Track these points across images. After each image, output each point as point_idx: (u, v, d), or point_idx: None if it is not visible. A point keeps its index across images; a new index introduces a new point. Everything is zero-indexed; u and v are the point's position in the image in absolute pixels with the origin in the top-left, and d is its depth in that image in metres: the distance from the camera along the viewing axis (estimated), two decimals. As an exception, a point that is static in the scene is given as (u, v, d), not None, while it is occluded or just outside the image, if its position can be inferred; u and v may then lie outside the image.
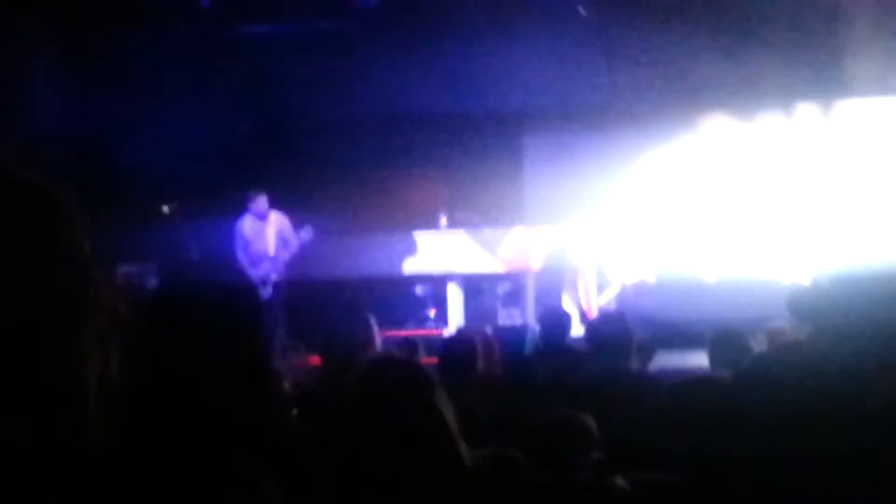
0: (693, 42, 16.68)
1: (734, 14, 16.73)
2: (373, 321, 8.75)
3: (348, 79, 17.87)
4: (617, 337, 7.68)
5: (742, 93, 16.76)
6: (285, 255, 15.45)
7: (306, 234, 15.42)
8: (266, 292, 15.02)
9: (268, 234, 15.47)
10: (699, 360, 10.46)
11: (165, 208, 15.38)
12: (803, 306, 7.75)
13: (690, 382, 5.15)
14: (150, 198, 15.72)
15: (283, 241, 15.49)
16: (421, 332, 15.02)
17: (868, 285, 3.38)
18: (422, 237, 16.21)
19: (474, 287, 16.23)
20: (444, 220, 16.47)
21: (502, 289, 16.40)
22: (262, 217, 15.50)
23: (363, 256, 16.04)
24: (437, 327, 16.02)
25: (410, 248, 16.13)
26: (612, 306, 15.83)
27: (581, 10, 16.97)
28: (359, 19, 17.55)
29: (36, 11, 16.57)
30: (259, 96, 18.10)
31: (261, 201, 15.49)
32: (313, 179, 17.51)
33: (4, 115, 15.90)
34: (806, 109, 17.29)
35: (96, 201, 15.80)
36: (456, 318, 15.86)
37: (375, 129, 17.56)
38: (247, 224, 15.53)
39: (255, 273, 15.14)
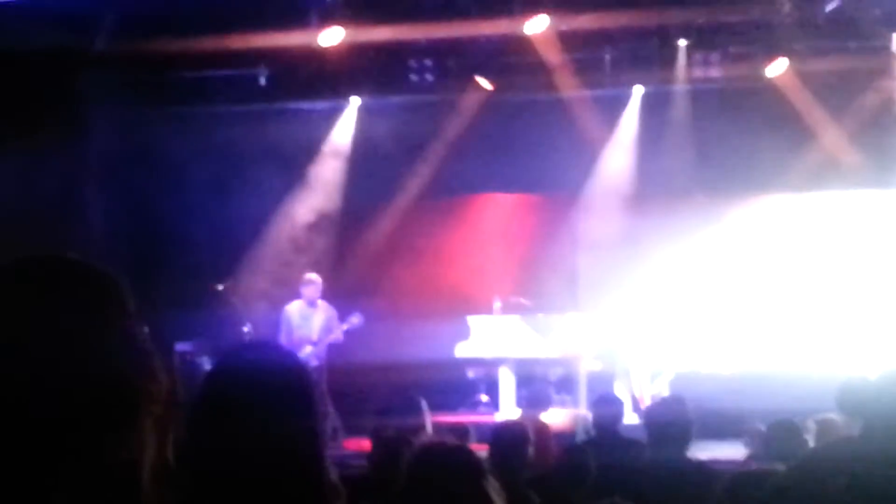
0: (749, 128, 16.78)
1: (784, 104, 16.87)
2: (424, 405, 8.73)
3: (401, 157, 18.00)
4: (675, 422, 7.57)
5: (796, 176, 16.77)
6: (327, 342, 15.43)
7: (357, 320, 15.40)
8: None
9: (314, 322, 15.46)
10: (732, 450, 10.36)
11: (220, 286, 15.43)
12: (852, 401, 7.67)
13: (749, 475, 5.06)
14: (204, 275, 15.78)
15: (327, 329, 15.47)
16: (472, 417, 14.95)
17: None
18: (475, 322, 16.18)
19: (526, 372, 16.16)
20: (498, 306, 16.42)
21: (555, 375, 16.33)
22: (312, 304, 15.50)
23: (416, 340, 16.00)
24: (488, 412, 15.94)
25: (464, 333, 16.10)
26: (665, 394, 15.72)
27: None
28: (414, 96, 17.70)
29: (94, 92, 16.77)
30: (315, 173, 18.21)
31: (314, 287, 15.49)
32: (368, 262, 17.60)
33: (60, 193, 16.05)
34: (861, 196, 17.33)
35: (151, 279, 15.99)
36: (508, 403, 15.78)
37: (429, 210, 17.62)
38: (295, 309, 15.54)
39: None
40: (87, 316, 1.85)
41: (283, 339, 15.31)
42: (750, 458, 9.57)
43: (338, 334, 15.40)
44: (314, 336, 15.38)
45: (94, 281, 1.93)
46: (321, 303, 15.57)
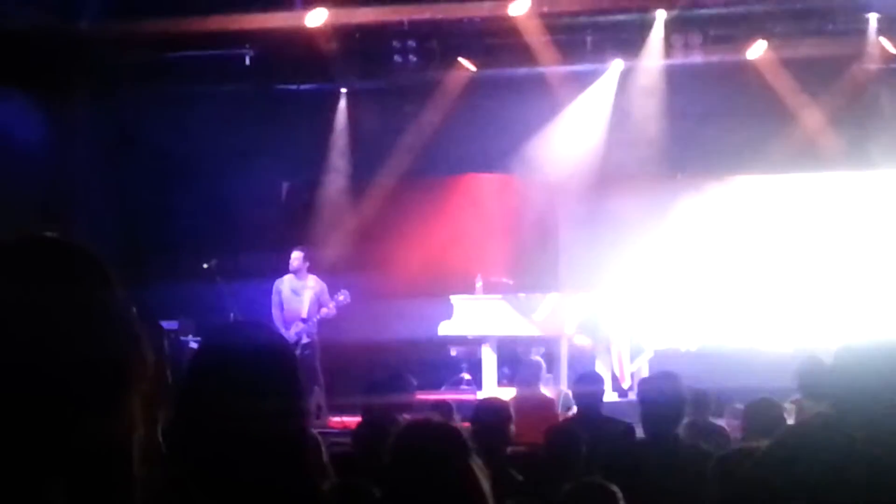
0: (728, 109, 16.88)
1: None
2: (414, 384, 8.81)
3: (385, 138, 18.06)
4: (669, 397, 7.58)
5: (775, 157, 16.86)
6: (317, 318, 15.46)
7: (344, 297, 15.44)
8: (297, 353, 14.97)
9: (304, 297, 15.49)
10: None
11: (205, 265, 15.45)
12: (811, 385, 7.74)
13: (738, 453, 5.07)
14: (190, 254, 15.81)
15: (318, 304, 15.50)
16: (455, 395, 15.03)
17: (869, 361, 3.37)
18: (458, 300, 16.25)
19: (509, 351, 16.24)
20: (479, 285, 16.49)
21: (536, 353, 16.41)
22: (302, 276, 15.52)
23: (399, 319, 16.08)
24: (470, 390, 16.02)
25: (446, 312, 16.15)
26: (644, 372, 15.84)
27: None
28: (397, 78, 17.75)
29: (79, 73, 16.77)
30: (299, 155, 18.24)
31: (300, 259, 15.51)
32: (350, 241, 17.65)
33: (46, 172, 16.06)
34: (839, 178, 17.46)
35: (137, 257, 16.03)
36: (490, 381, 15.85)
37: (411, 190, 17.68)
38: (285, 283, 15.58)
39: (287, 334, 15.12)
40: (71, 294, 1.85)
41: (275, 314, 15.38)
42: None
43: (331, 309, 15.41)
44: (304, 312, 15.41)
45: (79, 259, 1.92)
46: (311, 276, 15.62)
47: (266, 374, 2.83)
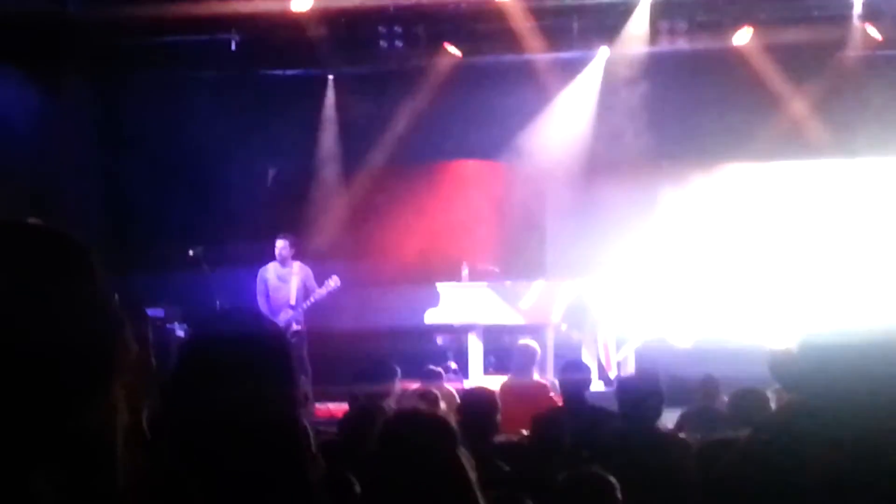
0: (714, 96, 16.90)
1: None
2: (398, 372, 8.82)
3: (371, 124, 18.06)
4: (648, 398, 7.62)
5: (761, 144, 16.88)
6: (306, 305, 15.45)
7: (334, 283, 15.41)
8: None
9: (291, 283, 15.47)
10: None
11: (191, 251, 15.42)
12: (784, 375, 7.76)
13: (718, 444, 5.09)
14: (176, 241, 15.78)
15: (305, 290, 15.47)
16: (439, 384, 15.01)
17: (833, 347, 3.38)
18: (444, 288, 16.25)
19: (494, 339, 16.23)
20: (466, 273, 16.48)
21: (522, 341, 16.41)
22: (287, 263, 15.49)
23: (385, 307, 16.06)
24: (457, 379, 16.01)
25: (432, 300, 16.15)
26: (630, 362, 15.86)
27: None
28: (384, 64, 17.74)
29: (67, 57, 16.72)
30: (286, 141, 18.22)
31: (285, 247, 15.49)
32: (337, 228, 17.65)
33: (32, 156, 16.02)
34: (824, 165, 17.50)
35: (123, 244, 16.01)
36: (476, 370, 15.85)
37: (399, 177, 17.67)
38: (270, 271, 15.55)
39: (276, 322, 15.06)
40: (53, 281, 1.83)
41: (260, 302, 15.34)
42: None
43: (321, 292, 15.37)
44: (292, 299, 15.40)
45: (61, 246, 1.90)
46: (296, 263, 15.58)
47: (258, 362, 2.81)
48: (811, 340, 3.49)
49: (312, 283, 15.44)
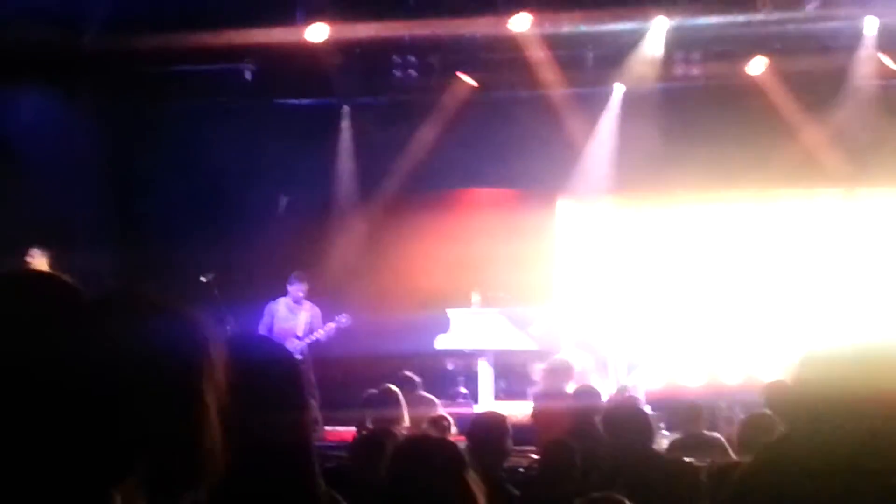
0: (729, 126, 16.92)
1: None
2: (402, 398, 8.84)
3: (385, 153, 18.12)
4: (635, 424, 7.64)
5: (775, 174, 16.86)
6: (309, 340, 15.52)
7: (345, 320, 15.50)
8: None
9: (300, 317, 15.57)
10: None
11: (203, 278, 15.47)
12: (780, 405, 7.77)
13: (728, 468, 5.11)
14: (189, 267, 15.83)
15: (310, 329, 15.59)
16: (451, 409, 15.03)
17: (831, 381, 3.39)
18: (454, 314, 16.28)
19: (504, 364, 16.26)
20: (477, 299, 16.51)
21: (532, 366, 16.43)
22: (298, 301, 15.61)
23: (396, 333, 16.07)
24: (466, 404, 16.03)
25: (443, 325, 16.19)
26: (640, 386, 15.86)
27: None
28: (399, 93, 17.81)
29: (81, 86, 16.80)
30: (299, 170, 18.28)
31: (301, 288, 15.59)
32: (349, 256, 17.70)
33: (48, 182, 16.08)
34: (839, 194, 17.46)
35: (135, 270, 16.05)
36: (486, 395, 15.88)
37: (412, 204, 17.71)
38: (281, 306, 15.66)
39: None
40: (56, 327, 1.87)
41: (263, 332, 15.38)
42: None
43: (320, 334, 15.48)
44: (299, 331, 15.48)
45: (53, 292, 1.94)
46: (306, 302, 15.68)
47: (270, 386, 2.83)
48: (807, 370, 3.51)
49: (318, 323, 15.56)
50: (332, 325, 15.48)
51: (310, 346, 15.51)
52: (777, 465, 3.43)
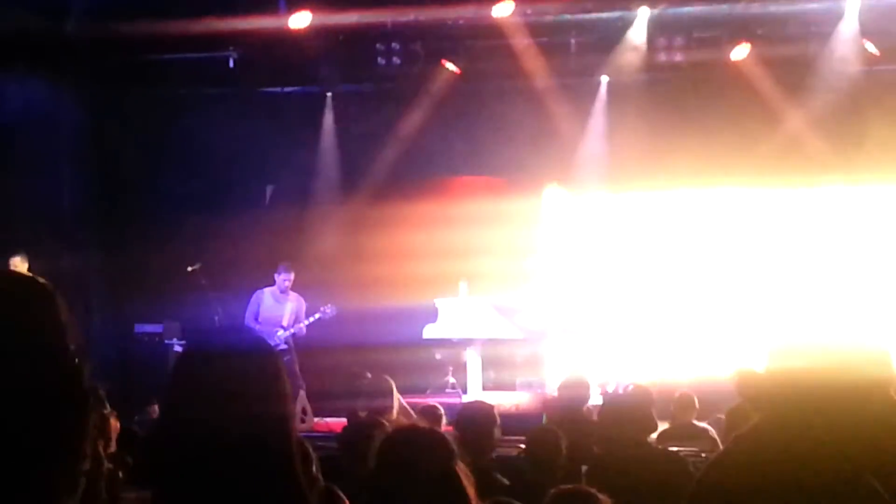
0: (711, 112, 16.92)
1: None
2: (394, 387, 8.81)
3: (370, 141, 18.09)
4: (636, 414, 7.60)
5: (760, 163, 16.83)
6: (294, 330, 15.51)
7: (330, 310, 15.50)
8: None
9: (285, 309, 15.55)
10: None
11: (190, 268, 15.44)
12: (751, 394, 7.74)
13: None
14: (174, 257, 15.80)
15: (295, 319, 15.58)
16: (440, 399, 14.99)
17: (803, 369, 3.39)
18: (442, 304, 16.26)
19: (492, 354, 16.24)
20: (464, 288, 16.49)
21: (521, 356, 16.43)
22: (284, 292, 15.58)
23: (384, 322, 16.04)
24: (455, 394, 16.01)
25: (431, 315, 16.17)
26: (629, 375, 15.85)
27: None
28: (383, 81, 17.78)
29: (63, 75, 16.74)
30: (284, 158, 18.25)
31: (287, 278, 15.56)
32: (335, 244, 17.67)
33: (30, 168, 16.04)
34: (824, 182, 17.43)
35: (121, 261, 16.02)
36: (474, 385, 15.86)
37: (397, 193, 17.67)
38: (267, 296, 15.63)
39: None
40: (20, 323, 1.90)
41: (249, 322, 15.37)
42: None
43: (301, 327, 15.48)
44: (284, 321, 15.46)
45: (27, 289, 1.97)
46: (292, 293, 15.66)
47: (250, 377, 2.79)
48: (779, 358, 3.52)
49: (303, 314, 15.56)
50: (316, 316, 15.47)
51: (294, 336, 15.49)
52: (749, 454, 3.43)
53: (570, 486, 5.51)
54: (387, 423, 7.92)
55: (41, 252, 13.71)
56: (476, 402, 9.95)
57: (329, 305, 15.50)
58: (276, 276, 15.59)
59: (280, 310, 15.52)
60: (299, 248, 16.98)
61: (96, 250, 16.67)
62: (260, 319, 15.42)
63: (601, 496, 5.38)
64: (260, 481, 2.71)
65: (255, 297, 15.64)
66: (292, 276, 15.57)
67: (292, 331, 15.44)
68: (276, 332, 15.19)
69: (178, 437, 2.75)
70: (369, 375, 14.38)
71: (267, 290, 15.64)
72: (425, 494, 3.86)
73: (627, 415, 7.58)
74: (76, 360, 1.94)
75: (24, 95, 15.97)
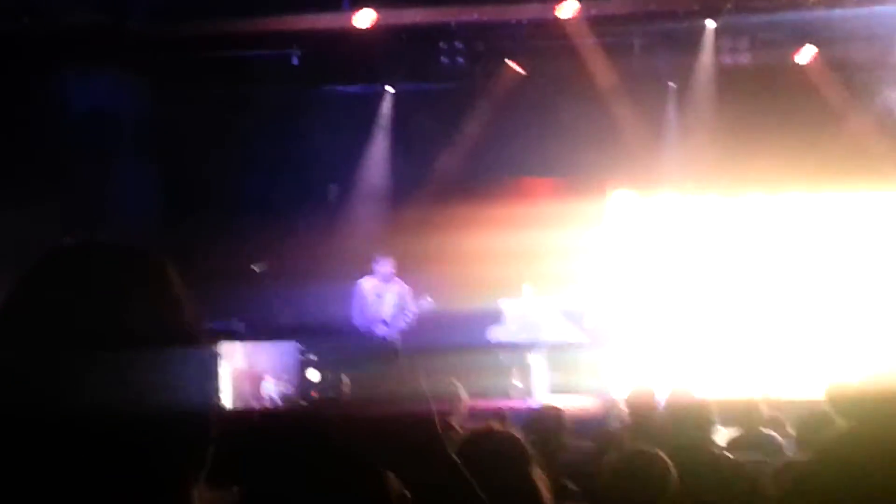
0: (777, 115, 16.76)
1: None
2: (461, 390, 8.74)
3: (432, 141, 18.07)
4: (694, 414, 7.50)
5: (824, 166, 16.61)
6: (401, 323, 15.45)
7: (427, 303, 15.43)
8: None
9: (387, 299, 15.48)
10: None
11: (254, 267, 15.47)
12: (844, 405, 7.63)
13: (791, 467, 5.06)
14: (238, 256, 15.83)
15: (401, 308, 15.50)
16: (505, 402, 14.91)
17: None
18: (507, 305, 16.19)
19: (556, 357, 16.14)
20: (529, 290, 16.40)
21: (585, 360, 16.32)
22: (386, 280, 15.50)
23: (449, 324, 15.98)
24: (520, 397, 15.91)
25: (496, 317, 16.10)
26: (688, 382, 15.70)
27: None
28: (446, 80, 17.76)
29: (125, 72, 16.83)
30: (347, 157, 18.27)
31: (386, 264, 15.49)
32: (397, 245, 17.66)
33: (89, 169, 16.14)
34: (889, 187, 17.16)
35: (184, 259, 16.06)
36: (540, 388, 15.77)
37: (461, 194, 17.62)
38: (368, 285, 15.53)
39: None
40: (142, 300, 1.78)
41: (355, 315, 15.36)
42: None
43: (409, 316, 15.40)
44: (387, 315, 15.38)
45: (141, 263, 1.86)
46: (395, 281, 15.62)
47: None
48: (874, 374, 3.56)
49: (409, 300, 15.48)
50: (417, 309, 15.43)
51: (402, 331, 15.44)
52: (842, 460, 3.45)
53: (635, 448, 5.45)
54: (457, 427, 7.88)
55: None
56: (545, 405, 9.88)
57: (426, 298, 15.45)
58: (374, 265, 15.49)
59: (381, 302, 15.43)
60: (362, 248, 16.93)
61: (158, 246, 16.72)
62: (366, 313, 15.40)
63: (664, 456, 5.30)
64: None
65: (357, 288, 15.53)
66: (392, 261, 15.50)
67: (399, 325, 15.34)
68: (380, 327, 15.16)
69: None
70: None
71: (367, 280, 15.59)
72: (502, 498, 3.79)
73: (687, 415, 7.46)
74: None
75: (89, 92, 16.05)
